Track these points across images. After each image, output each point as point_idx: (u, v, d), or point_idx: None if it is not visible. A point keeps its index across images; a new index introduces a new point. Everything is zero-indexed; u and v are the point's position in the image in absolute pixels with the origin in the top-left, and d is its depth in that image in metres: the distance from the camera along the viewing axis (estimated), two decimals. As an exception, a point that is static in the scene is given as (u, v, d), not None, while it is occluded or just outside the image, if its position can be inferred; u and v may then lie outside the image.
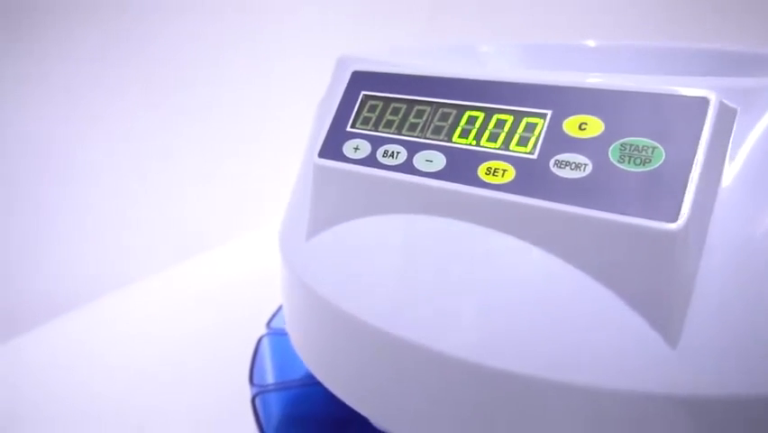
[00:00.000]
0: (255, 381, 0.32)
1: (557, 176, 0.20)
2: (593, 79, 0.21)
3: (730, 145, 0.20)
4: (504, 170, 0.21)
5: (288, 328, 0.30)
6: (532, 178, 0.21)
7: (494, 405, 0.21)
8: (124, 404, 0.33)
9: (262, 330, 0.37)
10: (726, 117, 0.20)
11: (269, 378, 0.33)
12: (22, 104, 0.45)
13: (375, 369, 0.24)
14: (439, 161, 0.23)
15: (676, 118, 0.19)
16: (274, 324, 0.37)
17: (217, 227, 0.55)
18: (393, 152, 0.24)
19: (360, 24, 0.63)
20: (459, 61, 0.35)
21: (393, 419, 0.24)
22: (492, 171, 0.22)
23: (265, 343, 0.36)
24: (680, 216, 0.18)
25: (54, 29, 0.45)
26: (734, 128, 0.20)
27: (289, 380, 0.32)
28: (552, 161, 0.21)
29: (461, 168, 0.22)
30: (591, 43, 0.36)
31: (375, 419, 0.25)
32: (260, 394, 0.31)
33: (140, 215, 0.53)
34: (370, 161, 0.24)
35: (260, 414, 0.29)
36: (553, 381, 0.19)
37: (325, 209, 0.26)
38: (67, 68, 0.46)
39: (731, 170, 0.20)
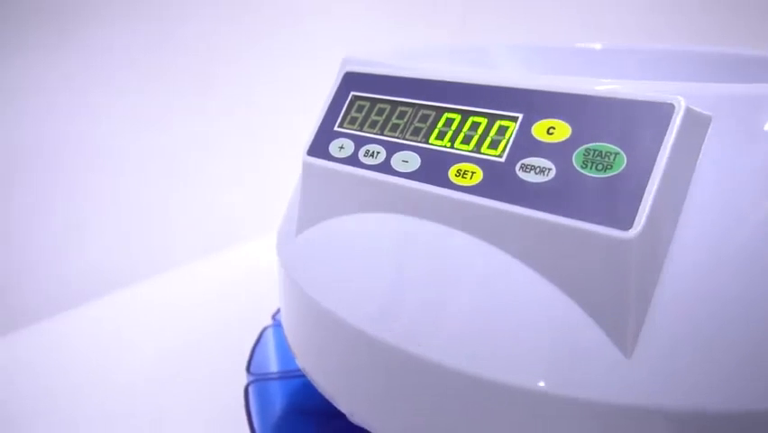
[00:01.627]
0: (252, 370, 0.33)
1: (522, 180, 0.20)
2: (563, 83, 0.21)
3: (702, 153, 0.19)
4: (473, 173, 0.21)
5: (282, 319, 0.31)
6: (498, 181, 0.21)
7: (454, 406, 0.21)
8: (125, 401, 0.35)
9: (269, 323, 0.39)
10: (697, 124, 0.19)
11: (267, 368, 0.34)
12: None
13: (343, 362, 0.24)
14: (414, 162, 0.23)
15: (641, 124, 0.19)
16: (279, 316, 0.38)
17: (242, 224, 0.57)
18: (374, 152, 0.24)
19: (393, 25, 0.63)
20: (461, 63, 0.35)
21: (367, 415, 0.25)
22: (462, 173, 0.22)
23: (268, 333, 0.37)
24: (635, 225, 0.18)
25: (71, 27, 0.47)
26: (707, 135, 0.20)
27: (284, 370, 0.33)
28: (518, 165, 0.21)
29: (434, 169, 0.22)
30: (597, 46, 0.35)
31: (350, 415, 0.26)
32: (253, 383, 0.32)
33: (161, 210, 0.55)
34: (352, 160, 0.25)
35: (251, 402, 0.30)
36: (508, 385, 0.19)
37: (312, 206, 0.27)
38: (72, 67, 0.48)
39: (702, 179, 0.19)
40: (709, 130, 0.20)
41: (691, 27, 0.51)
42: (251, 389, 0.32)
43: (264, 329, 0.37)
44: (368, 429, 0.25)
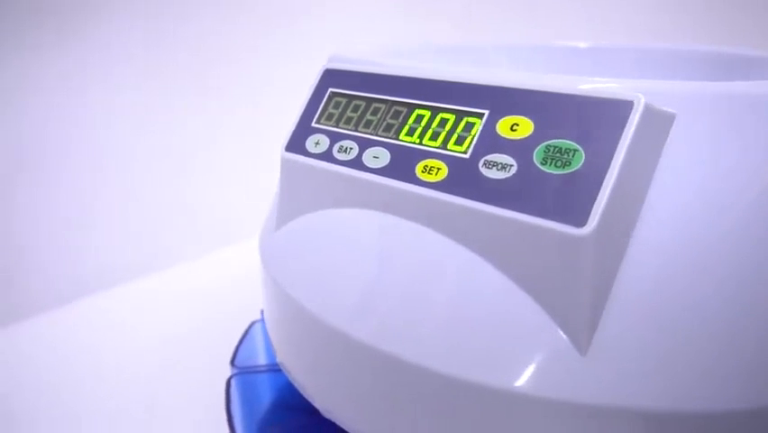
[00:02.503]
0: (236, 363, 0.34)
1: (484, 176, 0.20)
2: (528, 80, 0.21)
3: (664, 151, 0.19)
4: (438, 169, 0.22)
5: (264, 313, 0.31)
6: (461, 177, 0.21)
7: (414, 400, 0.21)
8: (116, 392, 0.35)
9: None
10: (659, 122, 0.19)
11: (252, 362, 0.34)
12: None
13: (313, 357, 0.24)
14: (384, 158, 0.23)
15: (600, 121, 0.19)
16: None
17: (241, 222, 0.57)
18: (347, 148, 0.25)
19: (394, 23, 0.64)
20: (446, 62, 0.35)
21: (334, 409, 0.25)
22: (428, 169, 0.22)
23: (256, 328, 0.37)
24: (589, 222, 0.18)
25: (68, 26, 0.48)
26: (670, 133, 0.19)
27: (269, 364, 0.33)
28: (481, 162, 0.21)
29: (402, 165, 0.23)
30: (582, 45, 0.35)
31: (324, 412, 0.26)
32: (235, 376, 0.32)
33: (160, 208, 0.56)
34: (327, 155, 0.25)
35: (232, 394, 0.31)
36: (464, 380, 0.19)
37: (289, 201, 0.28)
38: (75, 64, 0.49)
39: (663, 177, 0.19)
40: (673, 128, 0.19)
41: (697, 26, 0.51)
42: (233, 381, 0.32)
43: (252, 324, 0.37)
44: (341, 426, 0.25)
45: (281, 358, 0.28)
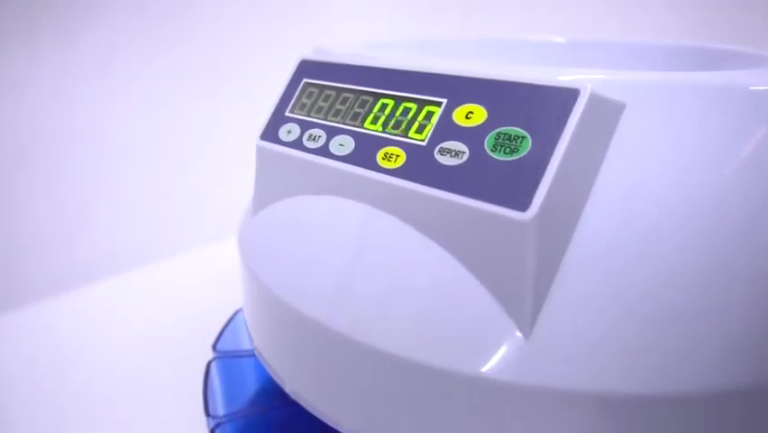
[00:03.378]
0: (218, 347, 0.34)
1: (439, 163, 0.21)
2: (482, 69, 0.21)
3: (614, 139, 0.20)
4: (397, 156, 0.22)
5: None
6: (418, 164, 0.21)
7: (368, 380, 0.21)
8: (106, 379, 0.36)
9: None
10: (607, 110, 0.19)
11: (234, 346, 0.35)
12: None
13: (277, 338, 0.25)
14: (349, 146, 0.24)
15: (548, 109, 0.19)
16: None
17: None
18: (315, 136, 0.25)
19: (394, 20, 0.64)
20: (425, 56, 0.36)
21: (302, 391, 0.25)
22: (388, 156, 0.22)
23: (241, 314, 0.38)
24: (532, 207, 0.18)
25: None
26: (620, 121, 0.20)
27: (251, 349, 0.34)
28: (437, 149, 0.21)
29: (365, 152, 0.23)
30: (560, 39, 0.35)
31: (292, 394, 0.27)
32: (215, 360, 0.33)
33: (158, 200, 0.57)
34: (297, 144, 0.26)
35: (210, 378, 0.32)
36: (412, 361, 0.20)
37: (264, 188, 0.28)
38: (82, 57, 0.50)
39: (612, 164, 0.19)
40: (623, 116, 0.20)
41: (692, 22, 0.50)
42: (213, 365, 0.33)
43: (238, 311, 0.38)
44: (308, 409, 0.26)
45: (255, 342, 0.29)
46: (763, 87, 0.19)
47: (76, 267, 0.53)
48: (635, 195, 0.19)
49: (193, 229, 0.57)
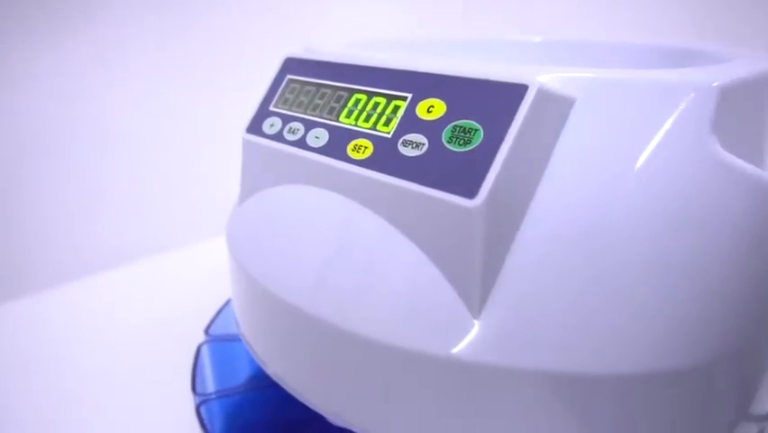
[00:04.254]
0: (210, 331, 0.36)
1: (401, 154, 0.22)
2: (444, 66, 0.22)
3: (564, 132, 0.21)
4: (365, 147, 0.23)
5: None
6: (383, 155, 0.23)
7: (339, 362, 0.23)
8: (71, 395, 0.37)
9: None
10: (556, 105, 0.20)
11: (225, 331, 0.36)
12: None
13: (256, 319, 0.27)
14: (324, 138, 0.25)
15: (499, 103, 0.20)
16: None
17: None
18: (294, 129, 0.27)
19: (394, 18, 0.65)
20: (398, 53, 0.37)
21: (281, 373, 0.27)
22: (357, 148, 0.24)
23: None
24: (479, 195, 0.19)
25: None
26: (570, 116, 0.21)
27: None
28: (400, 141, 0.22)
29: (337, 144, 0.25)
30: (537, 38, 0.36)
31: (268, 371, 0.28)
32: (206, 343, 0.35)
33: (165, 194, 0.59)
34: (278, 136, 0.27)
35: (201, 360, 0.33)
36: (371, 339, 0.21)
37: (248, 179, 0.30)
38: (89, 50, 0.52)
39: (561, 156, 0.21)
40: (573, 111, 0.21)
41: (691, 22, 0.51)
42: (203, 348, 0.34)
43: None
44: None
45: (240, 326, 0.30)
46: (703, 85, 0.20)
47: (77, 259, 0.56)
48: (583, 185, 0.20)
49: (195, 222, 0.59)
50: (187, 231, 0.57)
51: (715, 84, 0.20)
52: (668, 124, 0.20)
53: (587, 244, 0.20)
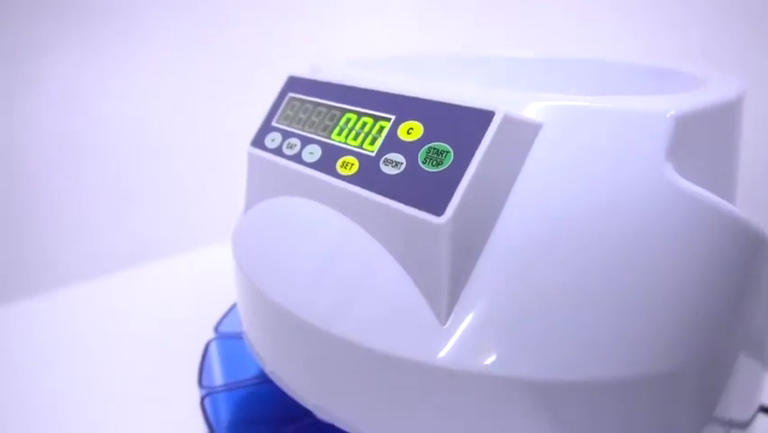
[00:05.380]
0: (219, 329, 0.39)
1: (382, 172, 0.24)
2: (422, 90, 0.24)
3: (530, 154, 0.22)
4: (352, 164, 0.25)
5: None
6: (367, 172, 0.24)
7: (326, 362, 0.25)
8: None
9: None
10: (522, 130, 0.22)
11: (235, 328, 0.39)
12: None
13: (254, 319, 0.29)
14: (317, 154, 0.27)
15: (468, 128, 0.22)
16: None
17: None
18: (292, 144, 0.29)
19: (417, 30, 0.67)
20: (396, 72, 0.39)
21: (278, 371, 0.29)
22: (345, 165, 0.26)
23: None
24: (446, 212, 0.21)
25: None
26: (536, 140, 0.22)
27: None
28: (382, 159, 0.24)
29: (328, 160, 0.26)
30: (530, 55, 0.38)
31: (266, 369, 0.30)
32: (214, 340, 0.37)
33: (179, 196, 0.62)
34: (277, 150, 0.29)
35: (209, 356, 0.36)
36: (349, 341, 0.23)
37: (252, 189, 0.32)
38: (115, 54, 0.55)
39: (527, 177, 0.22)
40: (539, 135, 0.22)
41: (693, 43, 0.51)
42: (212, 344, 0.37)
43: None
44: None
45: (243, 326, 0.33)
46: (659, 114, 0.21)
47: (99, 258, 0.59)
48: (545, 205, 0.22)
49: (211, 225, 0.62)
50: (202, 233, 0.60)
51: (670, 113, 0.21)
52: (625, 150, 0.21)
53: (548, 261, 0.21)
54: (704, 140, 0.23)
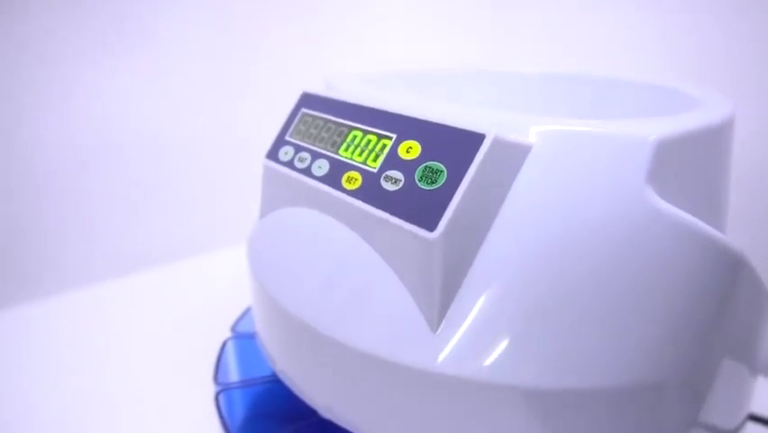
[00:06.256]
0: (236, 328, 0.41)
1: (383, 187, 0.26)
2: (422, 110, 0.26)
3: (520, 174, 0.24)
4: (356, 179, 0.27)
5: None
6: (369, 187, 0.26)
7: (330, 365, 0.27)
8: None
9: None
10: (512, 151, 0.23)
11: (250, 330, 0.41)
12: None
13: (265, 321, 0.31)
14: (325, 168, 0.29)
15: (461, 149, 0.23)
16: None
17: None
18: (303, 158, 0.31)
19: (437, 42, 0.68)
20: (404, 89, 0.40)
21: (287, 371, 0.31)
22: (349, 179, 0.27)
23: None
24: (438, 228, 0.22)
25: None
26: (526, 161, 0.24)
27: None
28: (383, 176, 0.26)
29: (335, 175, 0.28)
30: (536, 71, 0.39)
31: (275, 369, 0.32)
32: (230, 339, 0.39)
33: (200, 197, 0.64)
34: (289, 163, 0.31)
35: (225, 354, 0.38)
36: (343, 344, 0.25)
37: (267, 199, 0.34)
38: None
39: (516, 196, 0.23)
40: (528, 157, 0.24)
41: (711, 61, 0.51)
42: (228, 343, 0.39)
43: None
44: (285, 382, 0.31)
45: (256, 326, 0.35)
46: (641, 138, 0.22)
47: (122, 258, 0.62)
48: (532, 222, 0.23)
49: (232, 228, 0.65)
50: (221, 236, 0.62)
51: (652, 138, 0.22)
52: (607, 173, 0.22)
53: (535, 276, 0.23)
54: (688, 163, 0.24)
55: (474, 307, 0.23)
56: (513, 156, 0.23)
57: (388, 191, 0.25)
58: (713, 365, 0.25)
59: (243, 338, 0.40)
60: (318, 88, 0.34)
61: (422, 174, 0.24)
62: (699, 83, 0.32)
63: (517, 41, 0.57)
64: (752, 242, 0.28)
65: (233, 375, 0.37)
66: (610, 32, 0.50)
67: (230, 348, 0.39)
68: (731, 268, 0.23)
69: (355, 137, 0.29)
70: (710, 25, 0.43)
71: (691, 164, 0.24)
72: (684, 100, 0.29)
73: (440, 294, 0.23)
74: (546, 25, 0.54)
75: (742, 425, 0.29)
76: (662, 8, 0.46)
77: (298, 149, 0.32)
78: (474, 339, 0.23)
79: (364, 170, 0.27)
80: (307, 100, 0.33)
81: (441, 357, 0.23)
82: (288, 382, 0.30)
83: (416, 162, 0.25)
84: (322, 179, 0.29)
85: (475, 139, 0.23)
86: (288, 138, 0.33)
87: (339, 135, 0.30)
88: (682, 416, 0.25)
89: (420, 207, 0.24)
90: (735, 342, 0.25)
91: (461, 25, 0.63)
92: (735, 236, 0.25)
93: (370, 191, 0.26)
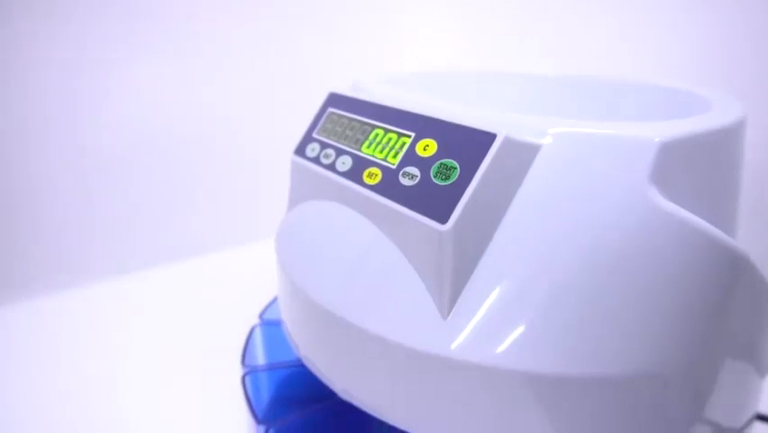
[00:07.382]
0: (263, 316, 0.43)
1: (401, 183, 0.27)
2: (438, 110, 0.27)
3: (529, 173, 0.25)
4: (376, 175, 0.29)
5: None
6: (388, 182, 0.28)
7: (348, 349, 0.28)
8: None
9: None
10: (522, 151, 0.25)
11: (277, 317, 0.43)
12: None
13: (289, 309, 0.33)
14: (348, 164, 0.31)
15: (474, 147, 0.25)
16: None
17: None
18: (328, 155, 0.32)
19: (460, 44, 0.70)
20: (424, 89, 0.42)
21: (310, 356, 0.33)
22: (370, 175, 0.29)
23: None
24: (450, 221, 0.24)
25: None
26: (535, 159, 0.25)
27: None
28: (401, 172, 0.27)
29: (357, 170, 0.30)
30: (552, 73, 0.40)
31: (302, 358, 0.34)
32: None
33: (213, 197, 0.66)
34: (316, 160, 0.33)
35: (252, 339, 0.40)
36: (364, 329, 0.26)
37: (295, 193, 0.36)
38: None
39: (525, 193, 0.25)
40: (538, 156, 0.25)
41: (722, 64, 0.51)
42: (256, 329, 0.41)
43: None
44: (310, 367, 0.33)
45: (282, 313, 0.37)
46: (646, 140, 0.23)
47: (161, 249, 0.65)
48: (541, 218, 0.24)
49: (265, 221, 0.67)
50: (254, 229, 0.65)
51: (657, 139, 0.23)
52: (613, 172, 0.23)
53: (542, 268, 0.24)
54: (696, 165, 0.25)
55: (483, 295, 0.24)
56: (523, 155, 0.25)
57: (405, 186, 0.27)
58: (716, 362, 0.25)
59: (270, 325, 0.42)
60: (344, 89, 0.36)
61: (437, 170, 0.26)
62: (715, 86, 0.33)
63: (536, 43, 0.58)
64: (754, 242, 0.29)
65: (260, 359, 0.39)
66: (625, 35, 0.51)
67: (257, 334, 0.41)
68: (733, 268, 0.24)
69: (377, 135, 0.30)
70: (732, 27, 0.43)
71: (700, 166, 0.25)
72: (698, 103, 0.30)
73: (450, 283, 0.24)
74: (562, 30, 0.55)
75: (748, 424, 0.30)
76: (679, 10, 0.47)
77: (324, 146, 0.33)
78: (482, 326, 0.24)
79: (384, 167, 0.29)
80: (334, 100, 0.35)
81: (450, 343, 0.24)
82: (310, 367, 0.32)
83: (432, 159, 0.26)
84: (345, 175, 0.31)
85: (487, 138, 0.25)
86: (314, 135, 0.35)
87: (362, 133, 0.31)
88: (686, 409, 0.26)
89: (434, 201, 0.25)
90: (738, 341, 0.26)
91: (484, 29, 0.64)
92: (741, 238, 0.26)
93: (389, 186, 0.28)
